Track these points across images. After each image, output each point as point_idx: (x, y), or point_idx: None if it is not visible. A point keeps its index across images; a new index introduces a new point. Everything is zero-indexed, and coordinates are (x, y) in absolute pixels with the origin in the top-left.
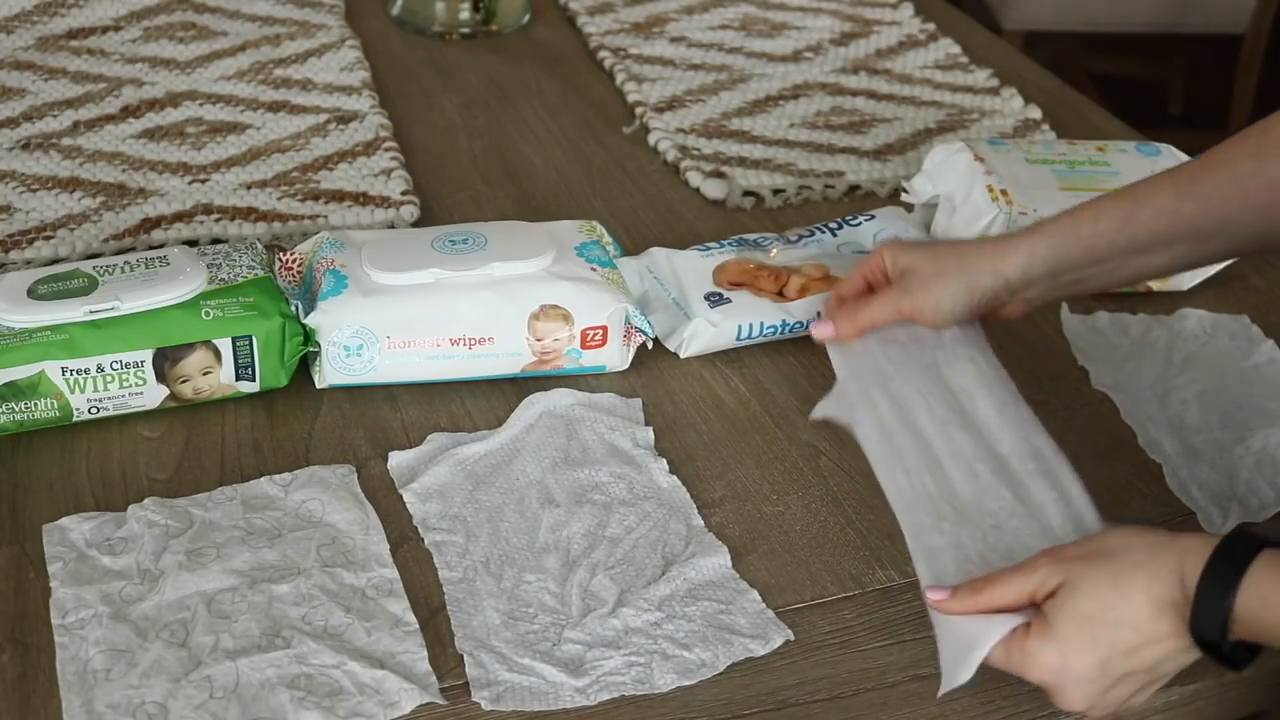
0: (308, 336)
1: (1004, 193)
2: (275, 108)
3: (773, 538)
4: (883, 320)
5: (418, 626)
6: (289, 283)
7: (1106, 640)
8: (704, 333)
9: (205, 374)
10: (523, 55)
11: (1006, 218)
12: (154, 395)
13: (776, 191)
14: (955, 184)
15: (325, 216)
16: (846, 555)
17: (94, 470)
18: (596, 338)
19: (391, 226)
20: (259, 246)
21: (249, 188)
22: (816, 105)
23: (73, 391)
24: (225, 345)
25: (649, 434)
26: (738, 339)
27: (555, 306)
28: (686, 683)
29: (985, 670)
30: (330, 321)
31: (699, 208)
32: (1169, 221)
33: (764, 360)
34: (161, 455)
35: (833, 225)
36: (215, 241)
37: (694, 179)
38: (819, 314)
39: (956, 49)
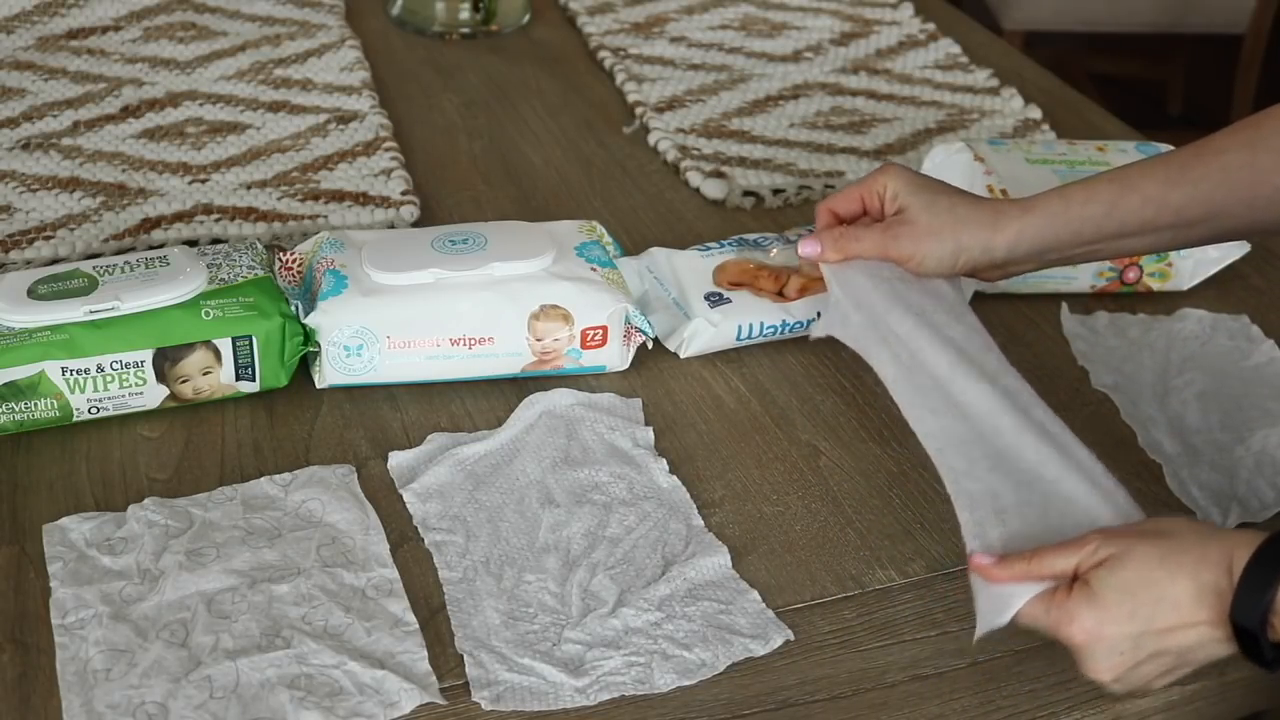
0: (308, 336)
1: (1004, 193)
2: (275, 108)
3: (773, 538)
4: (869, 253)
5: (418, 626)
6: (289, 283)
7: (1146, 614)
8: (704, 333)
9: (205, 374)
10: (523, 55)
11: None
12: (154, 395)
13: (776, 191)
14: (955, 184)
15: (325, 216)
16: (846, 555)
17: (94, 470)
18: (596, 338)
19: (391, 226)
20: (259, 246)
21: (249, 188)
22: (816, 105)
23: (73, 391)
24: (225, 345)
25: (649, 434)
26: (738, 339)
27: (555, 306)
28: (686, 683)
29: (986, 670)
30: (330, 321)
31: (699, 208)
32: (1156, 208)
33: (764, 360)
34: (161, 455)
35: None
36: (215, 241)
37: (694, 179)
38: (808, 233)
39: (956, 49)
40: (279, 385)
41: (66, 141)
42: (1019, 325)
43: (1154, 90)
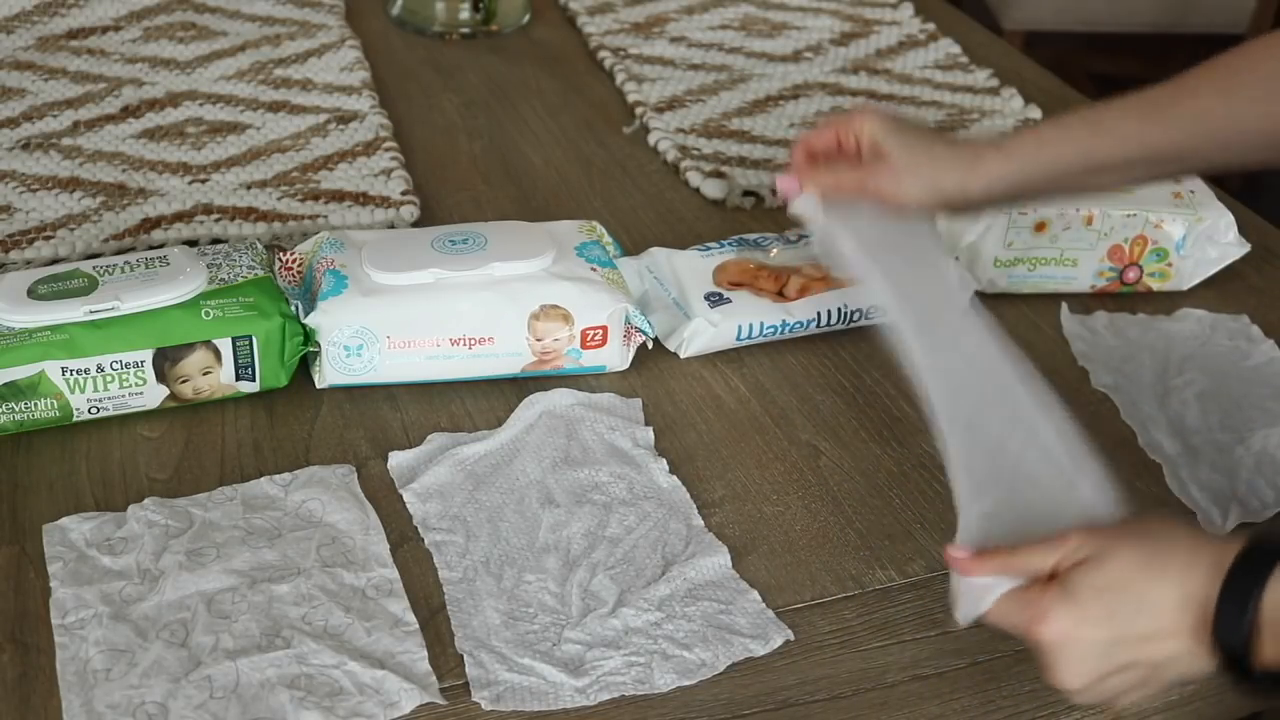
0: (308, 336)
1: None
2: (275, 108)
3: (773, 538)
4: (847, 190)
5: (418, 626)
6: (289, 283)
7: (1124, 619)
8: (704, 333)
9: (205, 374)
10: (523, 55)
11: (1007, 219)
12: (154, 395)
13: (776, 191)
14: None
15: (325, 216)
16: (846, 555)
17: (94, 470)
18: (596, 338)
19: (391, 226)
20: (259, 246)
21: (249, 188)
22: (816, 105)
23: (73, 391)
24: (225, 345)
25: (649, 434)
26: (738, 339)
27: (555, 306)
28: (686, 683)
29: (986, 670)
30: (330, 321)
31: (699, 208)
32: (1132, 146)
33: (764, 360)
34: (161, 455)
35: None
36: (215, 241)
37: (694, 179)
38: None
39: (956, 49)
40: (279, 385)
41: (66, 141)
42: (1019, 325)
43: None
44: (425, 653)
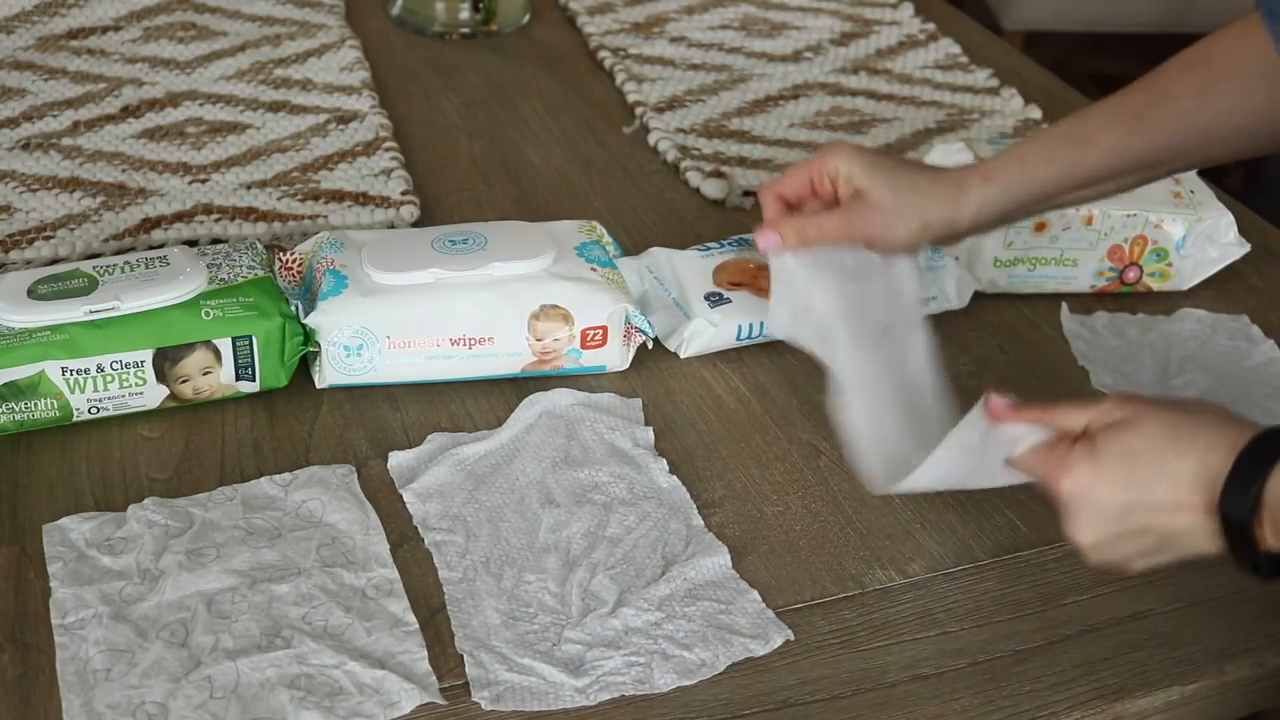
0: (308, 336)
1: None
2: (275, 108)
3: (773, 538)
4: (832, 238)
5: (418, 626)
6: (289, 283)
7: (1142, 484)
8: (704, 333)
9: (205, 374)
10: (523, 55)
11: None
12: (154, 395)
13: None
14: None
15: (325, 216)
16: (846, 555)
17: (94, 470)
18: (596, 338)
19: (391, 226)
20: (259, 246)
21: (249, 188)
22: (816, 105)
23: (73, 391)
24: (225, 345)
25: (649, 434)
26: (738, 339)
27: (555, 306)
28: (686, 683)
29: (986, 670)
30: (330, 321)
31: (699, 208)
32: (1117, 159)
33: (764, 360)
34: (161, 455)
35: None
36: (215, 241)
37: (694, 179)
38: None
39: (956, 49)
40: (279, 385)
41: (66, 141)
42: (1019, 325)
43: None
44: (425, 653)
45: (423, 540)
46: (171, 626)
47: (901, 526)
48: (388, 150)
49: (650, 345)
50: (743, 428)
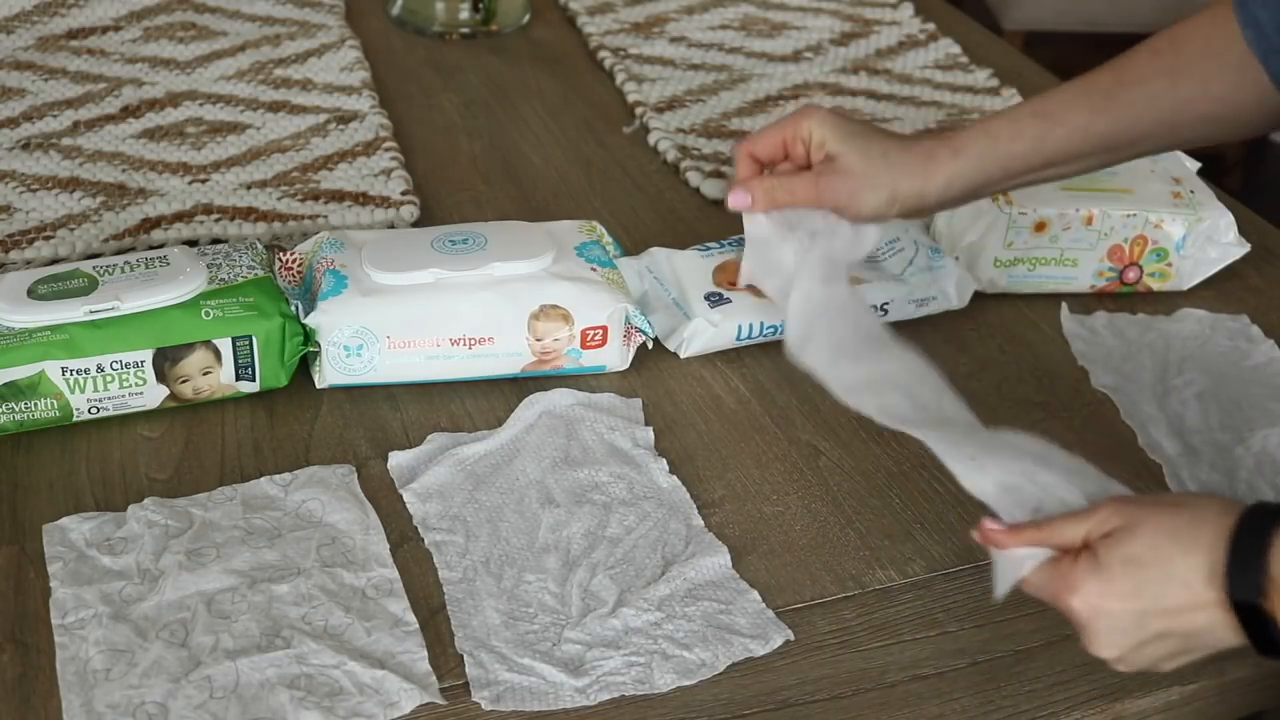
0: (308, 336)
1: (1004, 193)
2: (275, 108)
3: (773, 538)
4: (802, 203)
5: (418, 626)
6: (289, 283)
7: (1152, 592)
8: (704, 333)
9: (205, 374)
10: (523, 55)
11: (1007, 219)
12: (154, 395)
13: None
14: None
15: (325, 216)
16: (846, 555)
17: (94, 470)
18: (596, 338)
19: (391, 226)
20: (259, 246)
21: (249, 188)
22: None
23: (73, 391)
24: (225, 345)
25: (649, 434)
26: (738, 339)
27: (555, 306)
28: (686, 683)
29: (986, 670)
30: (330, 321)
31: (699, 208)
32: (1082, 137)
33: (764, 360)
34: (161, 455)
35: None
36: (215, 241)
37: (694, 179)
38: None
39: (956, 49)
40: (279, 385)
41: (66, 141)
42: (1019, 325)
43: None
44: (425, 653)
45: (423, 540)
46: (171, 626)
47: (901, 526)
48: (388, 150)
49: (650, 345)
50: (743, 428)
